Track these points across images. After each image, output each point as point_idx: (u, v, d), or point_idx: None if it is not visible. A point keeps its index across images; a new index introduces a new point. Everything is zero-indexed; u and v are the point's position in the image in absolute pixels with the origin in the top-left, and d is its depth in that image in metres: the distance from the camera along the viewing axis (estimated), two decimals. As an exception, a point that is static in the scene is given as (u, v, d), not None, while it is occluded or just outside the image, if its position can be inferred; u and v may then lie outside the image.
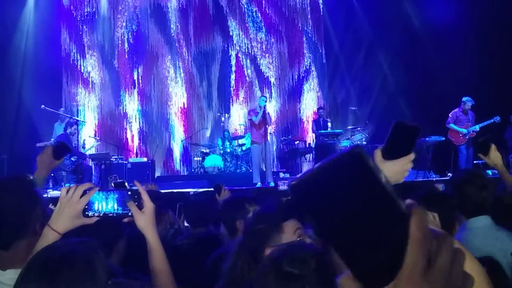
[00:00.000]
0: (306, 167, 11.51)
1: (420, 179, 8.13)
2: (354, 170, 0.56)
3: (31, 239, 1.48)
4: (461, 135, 8.89)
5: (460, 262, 0.54)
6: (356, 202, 0.56)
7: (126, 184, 3.23)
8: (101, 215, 1.43)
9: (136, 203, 1.46)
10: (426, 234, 0.54)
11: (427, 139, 8.85)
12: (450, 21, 10.49)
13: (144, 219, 1.47)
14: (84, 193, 1.43)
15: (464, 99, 8.97)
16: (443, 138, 9.01)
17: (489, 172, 5.79)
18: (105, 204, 1.43)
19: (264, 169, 9.21)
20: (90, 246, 1.04)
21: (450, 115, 9.05)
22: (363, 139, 10.59)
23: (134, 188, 1.53)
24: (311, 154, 11.32)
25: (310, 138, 12.36)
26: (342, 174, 0.56)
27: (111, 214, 1.44)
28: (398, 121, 1.16)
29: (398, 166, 1.24)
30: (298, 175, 0.60)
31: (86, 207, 1.42)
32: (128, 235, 1.87)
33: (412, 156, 1.24)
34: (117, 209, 1.45)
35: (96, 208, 1.43)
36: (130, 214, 1.45)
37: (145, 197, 1.48)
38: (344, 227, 0.57)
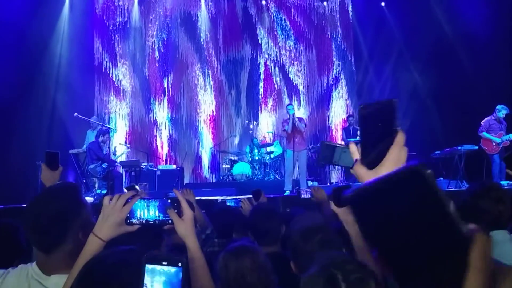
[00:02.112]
0: (335, 175, 11.43)
1: (452, 189, 7.97)
2: (415, 188, 0.54)
3: (74, 244, 1.52)
4: (494, 144, 8.67)
5: None
6: (414, 220, 0.54)
7: (137, 187, 3.26)
8: (143, 222, 1.46)
9: (175, 211, 1.48)
10: (489, 264, 0.50)
11: (459, 147, 8.66)
12: (483, 28, 10.29)
13: (184, 227, 1.50)
14: (127, 201, 1.46)
15: (498, 106, 8.75)
16: (476, 147, 8.81)
17: (505, 183, 5.61)
18: (147, 211, 1.46)
19: (297, 177, 9.19)
20: (138, 254, 1.06)
21: (482, 123, 8.84)
22: (393, 148, 10.45)
23: (172, 195, 1.55)
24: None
25: (339, 146, 12.25)
26: (403, 190, 0.55)
27: (152, 222, 1.47)
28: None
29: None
30: (358, 186, 0.58)
31: (129, 215, 1.45)
32: (169, 245, 1.89)
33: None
34: (158, 216, 1.47)
35: (138, 215, 1.45)
36: (170, 221, 1.47)
37: (184, 204, 1.50)
38: (399, 246, 0.55)
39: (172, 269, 1.00)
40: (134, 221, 1.45)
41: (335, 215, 1.91)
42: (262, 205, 3.42)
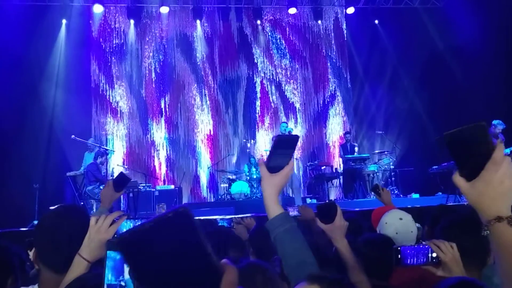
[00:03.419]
0: (333, 192, 11.41)
1: (451, 203, 7.93)
2: (179, 228, 0.60)
3: None
4: (492, 159, 8.63)
5: None
6: (178, 256, 0.60)
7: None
8: None
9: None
10: None
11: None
12: (476, 43, 10.38)
13: None
14: (113, 222, 1.45)
15: (494, 122, 8.69)
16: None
17: None
18: None
19: (292, 195, 9.17)
20: None
21: (480, 139, 8.80)
22: (391, 163, 10.46)
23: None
24: (338, 179, 11.21)
25: (337, 163, 12.28)
26: (168, 231, 0.60)
27: None
28: (277, 136, 1.22)
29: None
30: (127, 231, 0.62)
31: (115, 235, 1.44)
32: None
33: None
34: None
35: None
36: None
37: None
38: (166, 281, 0.60)
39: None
40: None
41: (324, 232, 1.91)
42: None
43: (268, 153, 1.35)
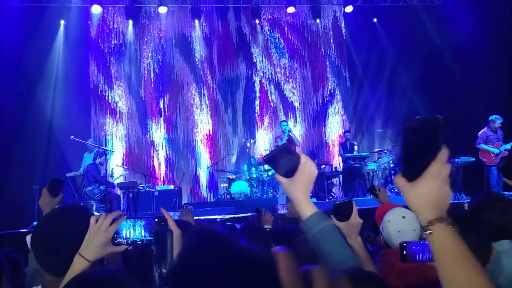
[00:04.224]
0: (333, 191, 11.40)
1: (451, 201, 7.92)
2: (209, 246, 0.61)
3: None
4: (493, 155, 8.65)
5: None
6: (225, 270, 0.58)
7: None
8: (129, 241, 1.44)
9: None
10: (295, 275, 0.58)
11: (456, 160, 8.66)
12: (475, 41, 10.38)
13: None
14: (113, 221, 1.44)
15: (492, 117, 8.74)
16: (473, 159, 8.81)
17: (505, 193, 5.60)
18: (133, 231, 1.45)
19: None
20: (122, 272, 1.05)
21: (479, 135, 8.82)
22: (391, 162, 10.46)
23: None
24: (338, 178, 11.21)
25: (336, 161, 12.28)
26: (202, 254, 0.61)
27: (139, 241, 1.45)
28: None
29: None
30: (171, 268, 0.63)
31: (115, 235, 1.43)
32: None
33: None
34: (145, 236, 1.46)
35: (124, 235, 1.44)
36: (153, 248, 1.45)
37: (171, 223, 1.49)
38: None
39: None
40: (120, 240, 1.44)
41: None
42: (252, 223, 3.38)
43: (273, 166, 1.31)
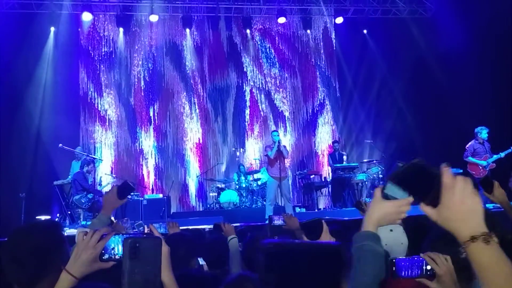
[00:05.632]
0: (322, 201, 11.42)
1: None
2: (328, 266, 0.65)
3: (53, 278, 1.48)
4: (481, 168, 8.62)
5: None
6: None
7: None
8: (117, 258, 1.42)
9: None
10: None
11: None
12: (463, 52, 10.47)
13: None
14: (101, 238, 1.42)
15: (477, 129, 8.68)
16: (461, 171, 8.83)
17: (490, 206, 5.60)
18: (121, 247, 1.43)
19: (282, 204, 9.15)
20: None
21: (467, 148, 8.79)
22: (379, 172, 10.50)
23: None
24: (327, 188, 11.23)
25: (326, 172, 12.31)
26: (317, 262, 0.64)
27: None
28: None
29: (394, 207, 1.24)
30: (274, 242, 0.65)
31: (103, 251, 1.41)
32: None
33: (411, 199, 1.14)
34: None
35: (112, 251, 1.42)
36: None
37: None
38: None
39: None
40: (108, 256, 1.42)
41: None
42: (255, 235, 3.36)
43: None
